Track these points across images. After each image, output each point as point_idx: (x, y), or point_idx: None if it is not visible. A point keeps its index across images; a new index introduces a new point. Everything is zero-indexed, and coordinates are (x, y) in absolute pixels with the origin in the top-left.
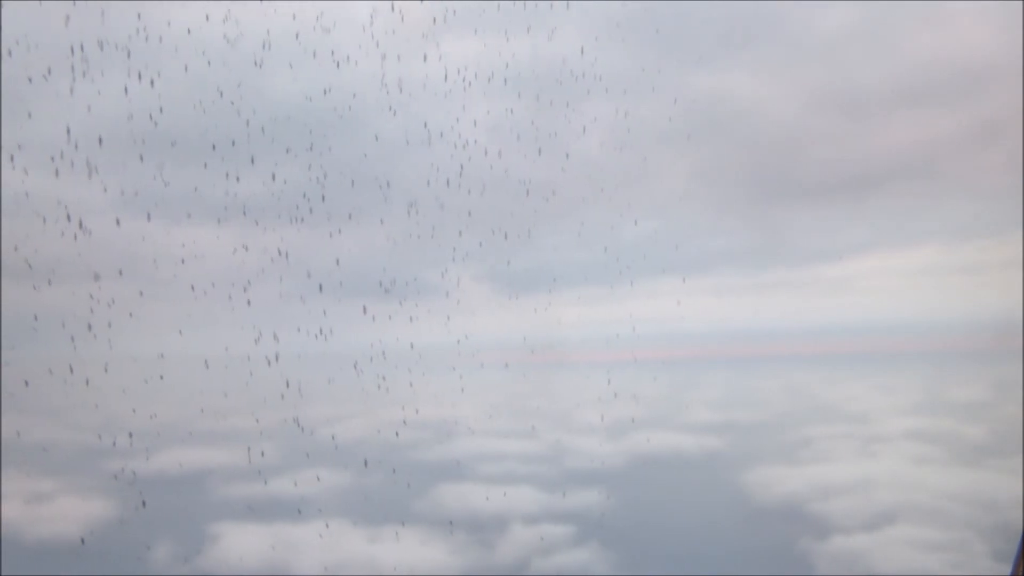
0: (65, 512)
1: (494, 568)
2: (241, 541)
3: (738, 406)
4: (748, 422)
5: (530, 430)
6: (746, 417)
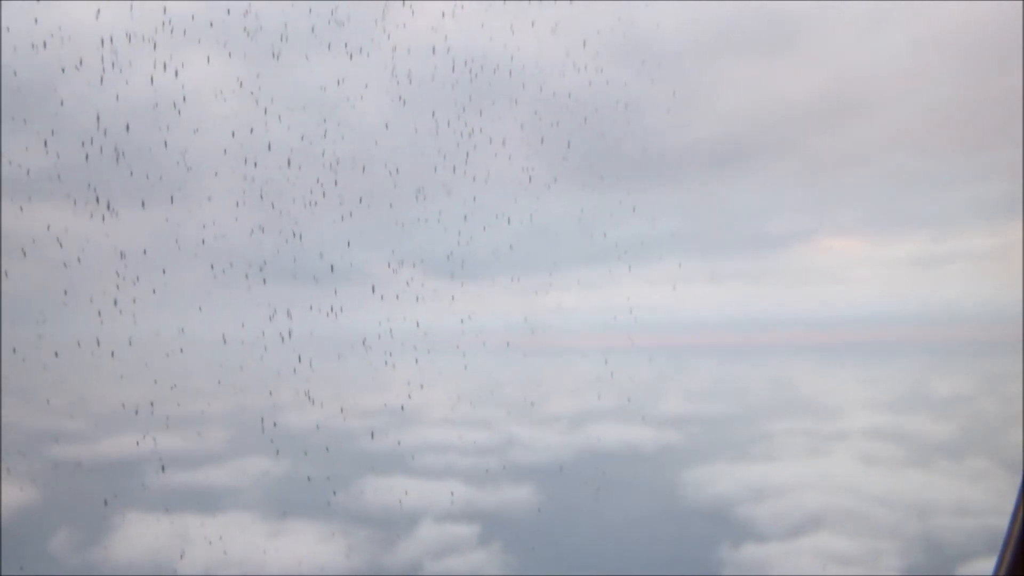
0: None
1: (384, 569)
2: (140, 532)
3: (710, 398)
4: (714, 415)
5: (487, 420)
6: (714, 409)
